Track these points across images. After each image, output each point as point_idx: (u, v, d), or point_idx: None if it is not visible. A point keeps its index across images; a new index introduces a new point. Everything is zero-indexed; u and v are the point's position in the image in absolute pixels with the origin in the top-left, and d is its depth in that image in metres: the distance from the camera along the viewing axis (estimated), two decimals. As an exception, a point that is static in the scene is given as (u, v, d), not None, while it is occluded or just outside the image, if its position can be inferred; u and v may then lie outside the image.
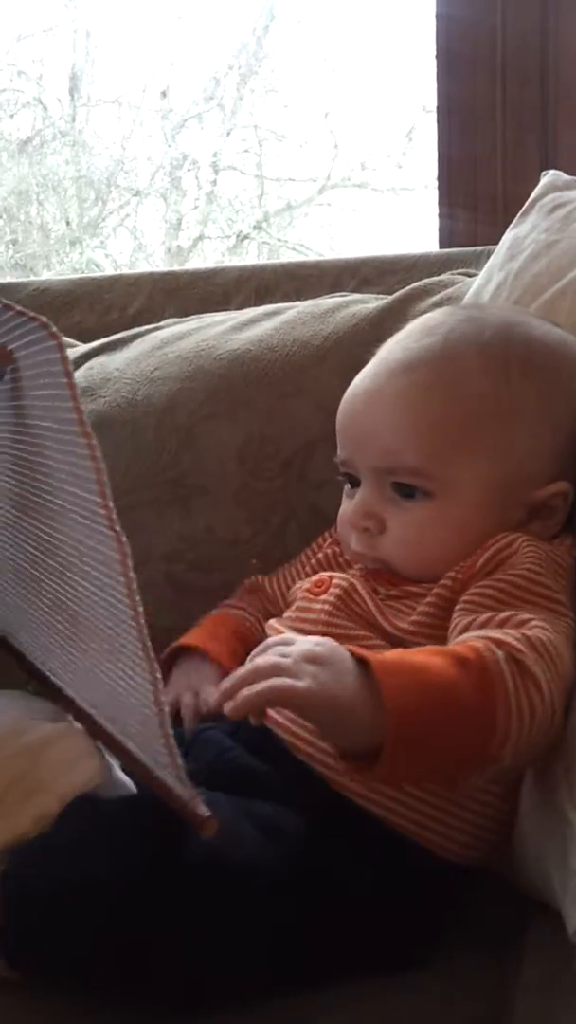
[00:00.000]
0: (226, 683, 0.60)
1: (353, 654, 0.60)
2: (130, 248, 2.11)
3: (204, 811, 0.55)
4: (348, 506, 0.81)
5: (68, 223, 2.05)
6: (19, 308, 0.57)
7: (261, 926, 0.62)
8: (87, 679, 0.66)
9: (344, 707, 0.58)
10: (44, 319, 0.55)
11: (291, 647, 0.61)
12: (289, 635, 0.67)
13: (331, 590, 0.78)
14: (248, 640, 0.86)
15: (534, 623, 0.65)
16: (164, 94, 1.98)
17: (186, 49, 1.95)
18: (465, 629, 0.67)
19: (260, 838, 0.64)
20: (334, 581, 0.79)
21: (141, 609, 0.54)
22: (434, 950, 0.68)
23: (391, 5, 1.81)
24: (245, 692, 0.58)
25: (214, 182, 2.03)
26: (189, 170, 2.02)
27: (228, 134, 1.99)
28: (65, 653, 0.67)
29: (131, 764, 0.64)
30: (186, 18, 1.93)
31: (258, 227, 2.01)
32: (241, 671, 0.60)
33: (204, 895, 0.60)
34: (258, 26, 1.92)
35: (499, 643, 0.62)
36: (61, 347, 0.55)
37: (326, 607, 0.77)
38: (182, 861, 0.60)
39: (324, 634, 0.74)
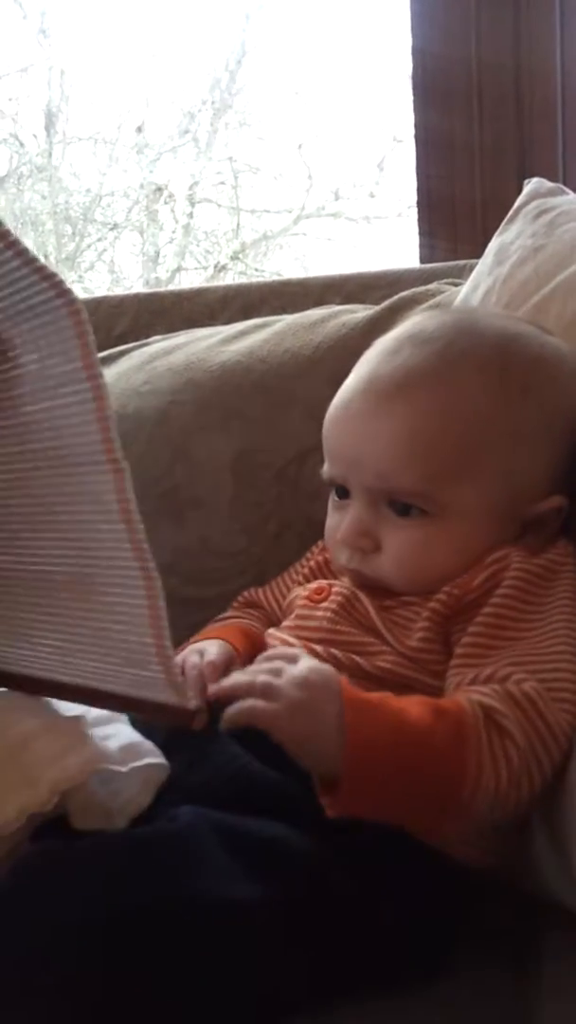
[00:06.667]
0: (226, 683, 0.63)
1: (343, 689, 0.62)
2: (108, 281, 2.12)
3: (192, 704, 0.57)
4: (336, 519, 0.79)
5: (46, 257, 2.06)
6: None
7: (253, 964, 0.59)
8: (58, 648, 0.65)
9: (310, 735, 0.61)
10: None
11: (290, 667, 0.63)
12: (296, 650, 0.67)
13: (332, 597, 0.77)
14: (256, 641, 0.85)
15: (518, 676, 0.65)
16: (139, 129, 2.01)
17: (160, 85, 1.98)
18: (458, 687, 0.67)
19: (252, 872, 0.61)
20: (334, 589, 0.77)
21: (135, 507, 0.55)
22: (446, 961, 0.66)
23: (359, 39, 1.85)
24: (230, 710, 0.61)
25: (190, 215, 2.05)
26: (166, 203, 2.04)
27: (203, 168, 2.01)
28: (29, 629, 0.66)
29: (113, 705, 0.63)
30: (160, 55, 1.96)
31: (235, 258, 2.03)
32: (241, 678, 0.63)
33: (190, 938, 0.57)
34: (231, 61, 1.95)
35: (480, 696, 0.64)
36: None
37: (328, 614, 0.76)
38: (163, 906, 0.56)
39: (327, 641, 0.75)
